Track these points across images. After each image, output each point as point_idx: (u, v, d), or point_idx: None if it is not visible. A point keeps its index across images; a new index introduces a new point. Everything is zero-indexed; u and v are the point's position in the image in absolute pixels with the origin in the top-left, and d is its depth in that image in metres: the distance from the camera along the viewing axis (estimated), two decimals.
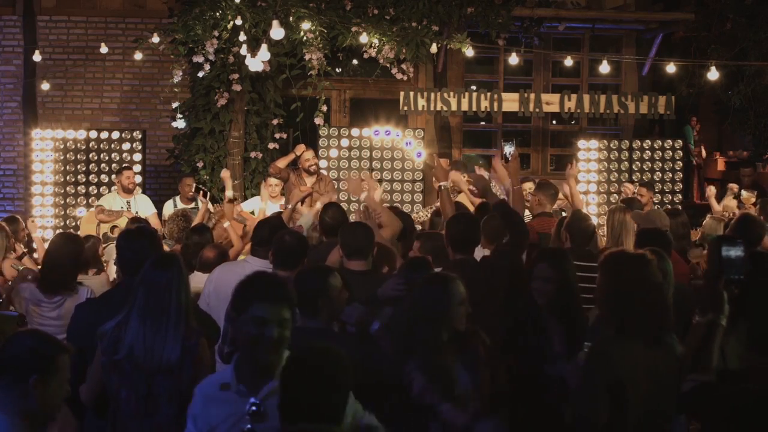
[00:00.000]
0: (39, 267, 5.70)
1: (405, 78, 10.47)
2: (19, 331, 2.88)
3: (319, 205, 6.66)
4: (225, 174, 7.77)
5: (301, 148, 8.92)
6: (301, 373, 2.54)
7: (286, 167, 8.81)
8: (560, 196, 7.43)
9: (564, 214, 7.98)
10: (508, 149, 6.06)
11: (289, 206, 6.92)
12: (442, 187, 6.03)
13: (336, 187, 9.43)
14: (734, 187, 8.91)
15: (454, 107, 10.42)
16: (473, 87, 10.99)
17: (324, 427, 2.50)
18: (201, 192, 7.94)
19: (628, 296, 3.18)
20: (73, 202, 10.03)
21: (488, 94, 10.49)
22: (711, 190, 8.51)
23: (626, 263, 3.30)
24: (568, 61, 11.10)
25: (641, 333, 3.16)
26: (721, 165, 14.52)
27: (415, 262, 4.26)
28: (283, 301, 2.91)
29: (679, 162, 10.50)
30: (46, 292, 4.86)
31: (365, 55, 10.08)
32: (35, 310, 4.87)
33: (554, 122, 11.98)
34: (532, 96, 10.56)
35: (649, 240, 4.54)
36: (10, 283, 6.22)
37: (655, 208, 8.75)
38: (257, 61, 8.06)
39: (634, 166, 10.33)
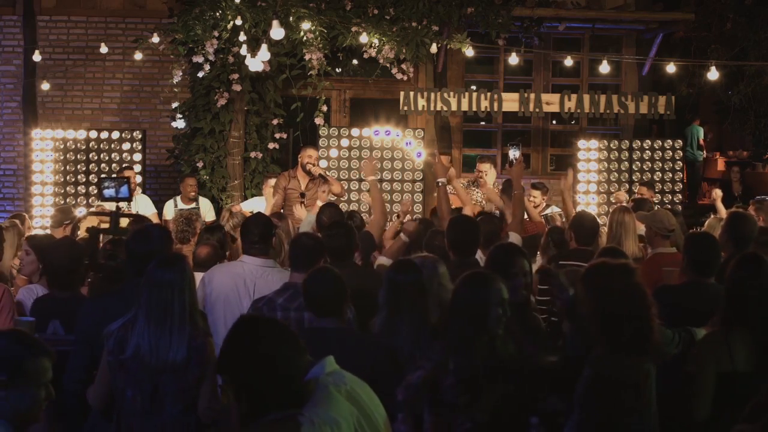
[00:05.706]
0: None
1: (405, 78, 10.46)
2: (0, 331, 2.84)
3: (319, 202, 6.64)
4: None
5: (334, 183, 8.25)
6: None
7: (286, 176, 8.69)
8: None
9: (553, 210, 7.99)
10: (513, 153, 6.06)
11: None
12: (440, 184, 6.03)
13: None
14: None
15: (454, 107, 10.41)
16: (473, 87, 10.97)
17: None
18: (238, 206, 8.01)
19: (617, 312, 3.09)
20: (73, 202, 10.02)
21: (488, 94, 10.48)
22: (717, 193, 8.45)
23: (610, 276, 3.18)
24: (568, 61, 11.09)
25: (633, 349, 3.09)
26: (721, 165, 14.53)
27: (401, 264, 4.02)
28: None
29: (679, 162, 10.49)
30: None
31: (365, 55, 10.07)
32: None
33: (554, 122, 11.97)
34: (532, 96, 10.55)
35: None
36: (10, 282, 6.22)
37: (656, 208, 8.73)
38: (257, 61, 8.06)
39: (634, 166, 10.31)
